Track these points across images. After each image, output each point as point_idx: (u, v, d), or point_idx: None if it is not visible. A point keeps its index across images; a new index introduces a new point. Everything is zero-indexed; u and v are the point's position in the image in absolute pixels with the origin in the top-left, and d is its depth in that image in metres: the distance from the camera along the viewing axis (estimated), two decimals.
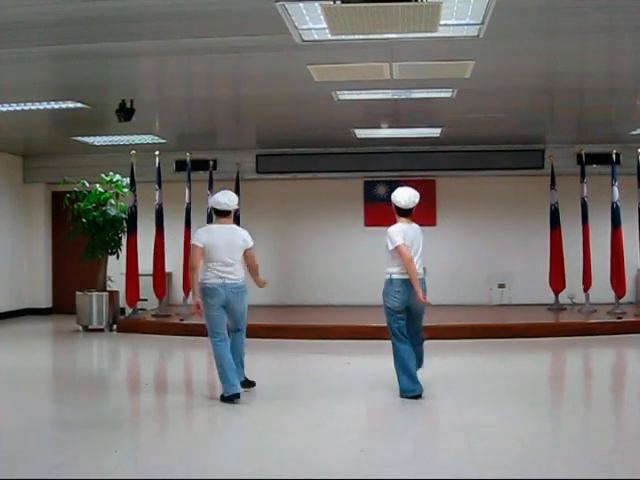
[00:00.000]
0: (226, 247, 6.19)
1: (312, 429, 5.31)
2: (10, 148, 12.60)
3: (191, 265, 6.23)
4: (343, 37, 5.97)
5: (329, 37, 5.98)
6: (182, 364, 9.37)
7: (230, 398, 6.00)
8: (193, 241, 6.31)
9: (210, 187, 11.77)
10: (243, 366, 6.46)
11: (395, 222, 6.32)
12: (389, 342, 6.29)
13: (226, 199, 6.32)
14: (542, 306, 11.62)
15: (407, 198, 6.24)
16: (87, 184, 11.19)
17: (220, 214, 6.36)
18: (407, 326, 6.24)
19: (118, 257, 11.30)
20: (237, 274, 6.22)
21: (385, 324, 6.30)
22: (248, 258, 6.40)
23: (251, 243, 6.38)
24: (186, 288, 11.02)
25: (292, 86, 8.08)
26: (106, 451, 4.74)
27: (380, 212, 12.98)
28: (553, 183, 11.53)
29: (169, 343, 9.99)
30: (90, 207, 10.99)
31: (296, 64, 7.04)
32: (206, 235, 6.29)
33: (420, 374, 6.31)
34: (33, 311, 13.16)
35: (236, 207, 6.47)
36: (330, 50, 6.55)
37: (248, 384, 6.51)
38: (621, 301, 10.78)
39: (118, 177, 11.23)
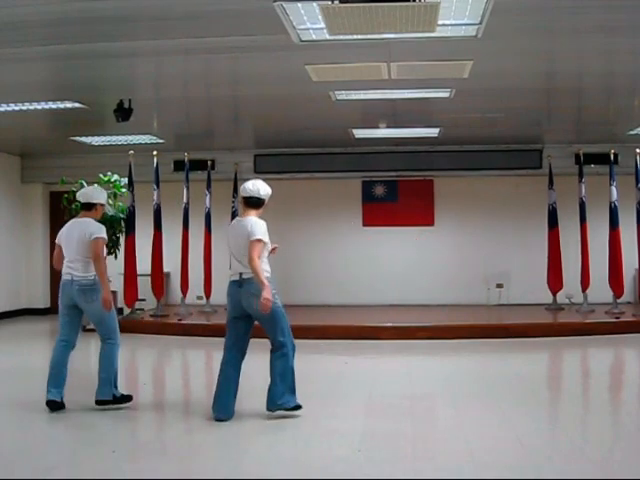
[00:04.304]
0: (69, 242, 6.09)
1: (311, 429, 5.31)
2: (8, 148, 12.59)
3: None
4: (341, 37, 5.96)
5: (327, 37, 5.97)
6: (180, 364, 9.37)
7: (47, 403, 5.74)
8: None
9: (208, 187, 11.76)
10: (110, 383, 5.82)
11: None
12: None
13: (89, 191, 6.22)
14: (540, 306, 11.60)
15: (251, 186, 5.71)
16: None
17: (83, 207, 6.18)
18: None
19: (116, 257, 11.27)
20: (83, 271, 5.89)
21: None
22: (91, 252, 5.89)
23: (96, 235, 5.89)
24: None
25: (290, 86, 8.07)
26: (105, 451, 4.73)
27: (378, 212, 13.05)
28: (551, 183, 11.53)
29: (167, 343, 9.99)
30: None
31: (294, 64, 7.04)
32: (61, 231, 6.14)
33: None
34: (31, 311, 13.13)
35: (103, 203, 6.17)
36: (328, 50, 6.54)
37: (122, 399, 5.91)
38: (619, 301, 10.78)
39: (116, 177, 11.19)
